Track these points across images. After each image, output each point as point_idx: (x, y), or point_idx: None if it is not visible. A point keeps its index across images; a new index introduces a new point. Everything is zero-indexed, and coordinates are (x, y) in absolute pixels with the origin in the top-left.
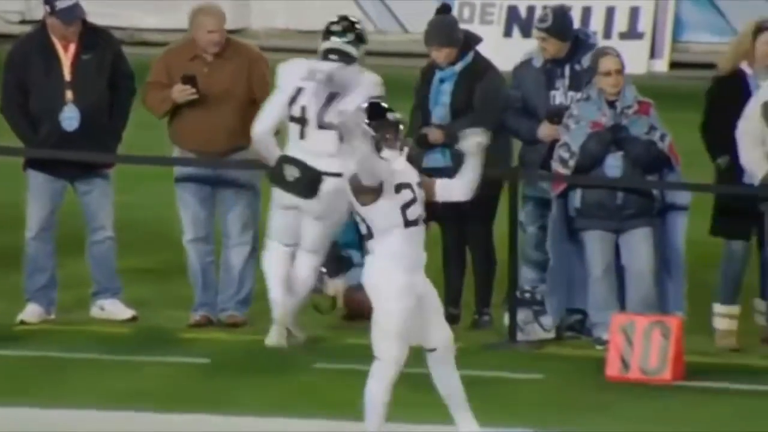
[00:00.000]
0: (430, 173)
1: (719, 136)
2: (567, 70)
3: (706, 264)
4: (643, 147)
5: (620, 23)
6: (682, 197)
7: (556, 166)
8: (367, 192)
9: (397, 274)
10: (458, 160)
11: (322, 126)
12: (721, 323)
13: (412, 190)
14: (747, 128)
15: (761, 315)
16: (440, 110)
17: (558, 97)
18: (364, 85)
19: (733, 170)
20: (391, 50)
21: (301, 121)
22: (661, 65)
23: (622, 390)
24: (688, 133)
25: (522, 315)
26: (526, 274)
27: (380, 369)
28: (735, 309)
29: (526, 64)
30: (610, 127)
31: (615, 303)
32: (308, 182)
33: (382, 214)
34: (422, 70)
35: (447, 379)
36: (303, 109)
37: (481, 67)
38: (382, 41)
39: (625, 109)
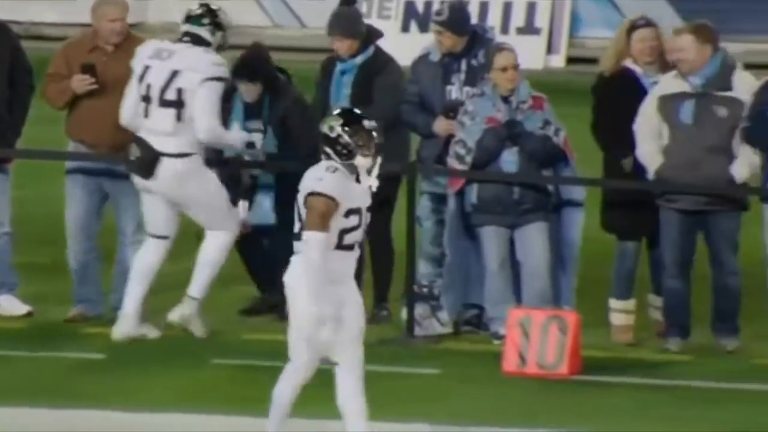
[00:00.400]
0: None
1: (615, 136)
2: (463, 65)
3: (603, 259)
4: (538, 142)
5: (517, 18)
6: (578, 193)
7: (452, 162)
8: (323, 217)
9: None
10: None
11: (162, 104)
12: (617, 318)
13: (360, 217)
14: (644, 122)
15: (656, 309)
16: (341, 103)
17: (454, 92)
18: (204, 65)
19: (637, 169)
20: (289, 45)
21: (147, 99)
22: (558, 60)
23: (519, 384)
24: (585, 129)
25: (419, 310)
26: (423, 269)
27: (289, 371)
28: (630, 304)
29: (423, 58)
30: (505, 122)
31: (511, 298)
32: (146, 162)
33: None
34: (322, 64)
35: (346, 396)
36: (148, 87)
37: (382, 61)
38: (279, 36)
39: (519, 105)
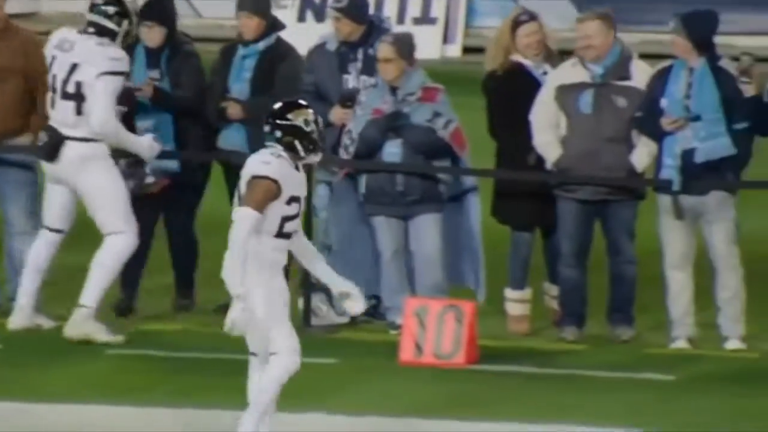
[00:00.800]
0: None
1: (515, 133)
2: (360, 54)
3: (499, 248)
4: (421, 134)
5: (413, 8)
6: (472, 182)
7: (342, 152)
8: (264, 198)
9: (256, 274)
10: (255, 138)
11: (64, 96)
12: (513, 308)
13: (299, 206)
14: (541, 112)
15: (551, 298)
16: (241, 86)
17: (351, 81)
18: (101, 59)
19: (543, 162)
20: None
21: (53, 90)
22: (454, 50)
23: (415, 374)
24: (480, 118)
25: (316, 300)
26: None
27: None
28: (526, 294)
29: (319, 48)
30: (388, 114)
31: (407, 287)
32: (50, 145)
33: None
34: (222, 50)
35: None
36: (53, 78)
37: (284, 49)
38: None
39: (406, 96)
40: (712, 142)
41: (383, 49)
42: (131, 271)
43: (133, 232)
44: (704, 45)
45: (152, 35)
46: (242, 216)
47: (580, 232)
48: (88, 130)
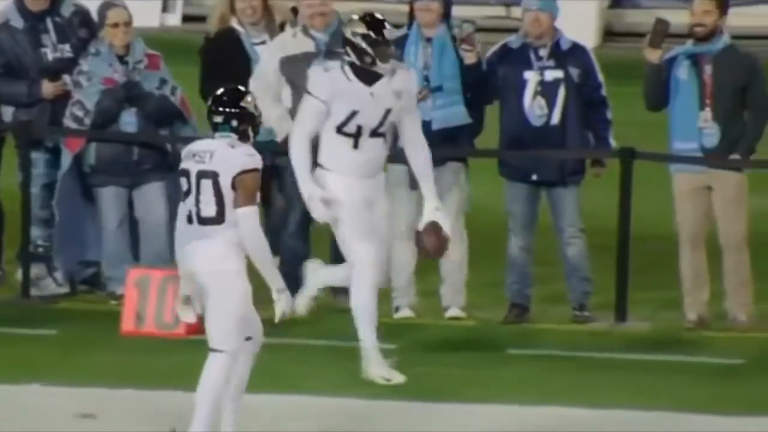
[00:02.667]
0: None
1: None
2: (49, 24)
3: None
4: (156, 102)
5: None
6: None
7: (70, 124)
8: (255, 189)
9: (238, 261)
10: None
11: None
12: None
13: None
14: (264, 87)
15: None
16: None
17: (50, 53)
18: None
19: None
20: None
21: None
22: (174, 19)
23: (137, 344)
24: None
25: (35, 270)
26: (35, 232)
27: (220, 363)
28: None
29: (4, 26)
30: (123, 83)
31: (129, 257)
32: None
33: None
34: None
35: (243, 372)
36: None
37: None
38: None
39: (136, 65)
40: (448, 110)
41: (120, 14)
42: None
43: None
44: (446, 13)
45: None
46: (250, 215)
47: None
48: None
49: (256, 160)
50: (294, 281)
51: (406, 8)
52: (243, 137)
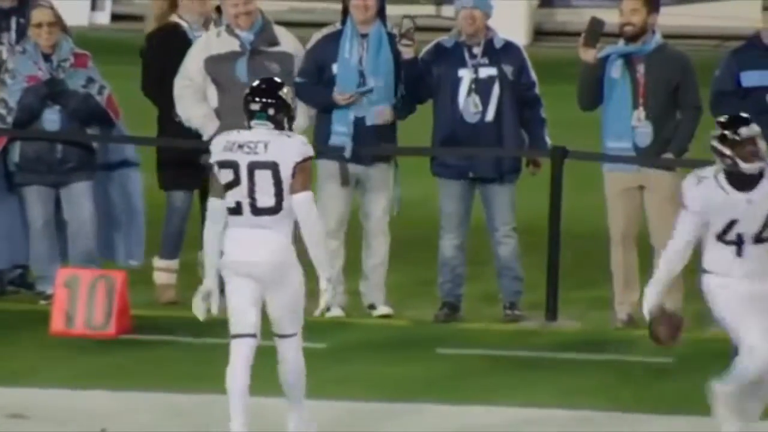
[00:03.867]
0: None
1: (165, 91)
2: (13, 23)
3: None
4: (80, 100)
5: None
6: (131, 151)
7: None
8: (310, 178)
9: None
10: None
11: None
12: (160, 278)
13: None
14: (189, 86)
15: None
16: None
17: (5, 52)
18: None
19: (182, 126)
20: None
21: None
22: (103, 17)
23: (67, 345)
24: (132, 86)
25: None
26: None
27: (298, 345)
28: (174, 263)
29: None
30: (46, 81)
31: (58, 257)
32: None
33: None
34: None
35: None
36: None
37: None
38: None
39: (61, 63)
40: (383, 107)
41: (45, 13)
42: None
43: None
44: (381, 10)
45: None
46: (310, 200)
47: None
48: None
49: (311, 148)
50: None
51: (334, 5)
52: (278, 126)
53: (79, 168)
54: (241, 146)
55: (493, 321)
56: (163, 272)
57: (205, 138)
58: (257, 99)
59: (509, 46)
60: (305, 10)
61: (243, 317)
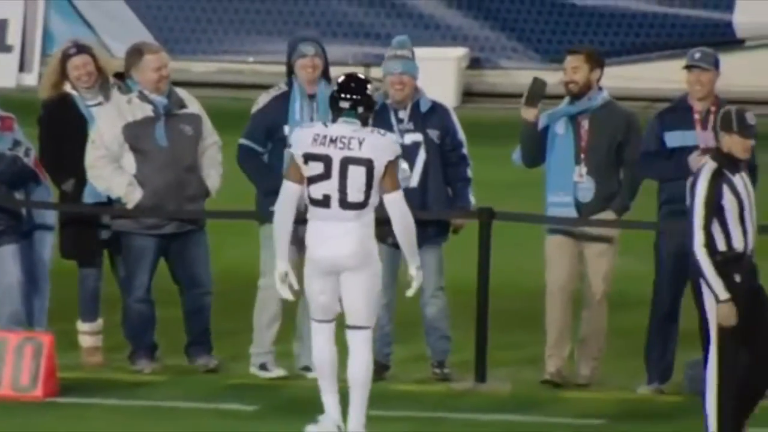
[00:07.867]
0: None
1: (58, 161)
2: None
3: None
4: (8, 163)
5: None
6: (50, 217)
7: None
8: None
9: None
10: None
11: None
12: (85, 341)
13: None
14: (105, 156)
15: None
16: None
17: None
18: None
19: (80, 193)
20: None
21: None
22: (31, 79)
23: None
24: None
25: None
26: None
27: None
28: (96, 325)
29: None
30: None
31: None
32: None
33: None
34: None
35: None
36: None
37: None
38: None
39: None
40: None
41: None
42: None
43: None
44: (325, 70)
45: None
46: (402, 198)
47: (155, 266)
48: None
49: (399, 147)
50: (138, 342)
51: (263, 66)
52: (364, 123)
53: (6, 231)
54: (333, 141)
55: (423, 382)
56: (87, 335)
57: (130, 206)
58: (348, 96)
59: (436, 108)
60: (234, 71)
61: (322, 307)
